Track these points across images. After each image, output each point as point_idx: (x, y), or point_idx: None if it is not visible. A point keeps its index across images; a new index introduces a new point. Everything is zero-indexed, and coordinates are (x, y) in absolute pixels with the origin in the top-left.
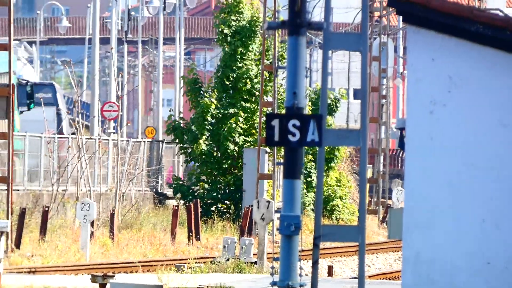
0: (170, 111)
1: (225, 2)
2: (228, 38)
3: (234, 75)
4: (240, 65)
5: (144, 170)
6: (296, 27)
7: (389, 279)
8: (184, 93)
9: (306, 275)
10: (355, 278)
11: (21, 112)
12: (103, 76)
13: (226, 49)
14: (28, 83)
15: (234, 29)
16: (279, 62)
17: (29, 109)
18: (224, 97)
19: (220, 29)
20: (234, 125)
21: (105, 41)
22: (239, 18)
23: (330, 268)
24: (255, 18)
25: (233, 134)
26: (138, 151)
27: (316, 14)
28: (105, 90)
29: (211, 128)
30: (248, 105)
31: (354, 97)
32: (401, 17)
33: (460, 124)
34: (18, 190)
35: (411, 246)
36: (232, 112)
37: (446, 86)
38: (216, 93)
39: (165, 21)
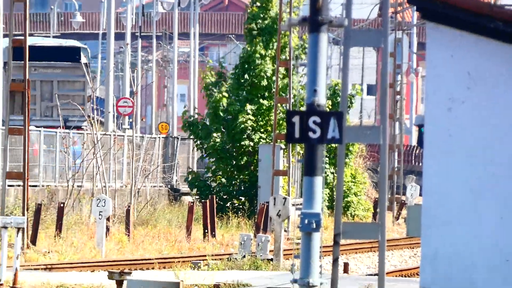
0: (184, 107)
1: None
2: (255, 35)
3: (251, 73)
4: (259, 62)
5: (159, 166)
6: (318, 25)
7: (405, 276)
8: (203, 88)
9: (325, 270)
10: (371, 275)
11: None
12: (116, 71)
13: (247, 47)
14: None
15: (259, 26)
16: (297, 59)
17: None
18: (241, 94)
19: (248, 27)
20: (244, 120)
21: (119, 36)
22: (266, 16)
23: (346, 265)
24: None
25: (247, 130)
26: (153, 147)
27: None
28: (118, 86)
29: (226, 124)
30: (265, 102)
31: (368, 92)
32: (416, 13)
33: (478, 121)
34: (34, 186)
35: (429, 243)
36: (249, 108)
37: (464, 83)
38: (227, 87)
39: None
